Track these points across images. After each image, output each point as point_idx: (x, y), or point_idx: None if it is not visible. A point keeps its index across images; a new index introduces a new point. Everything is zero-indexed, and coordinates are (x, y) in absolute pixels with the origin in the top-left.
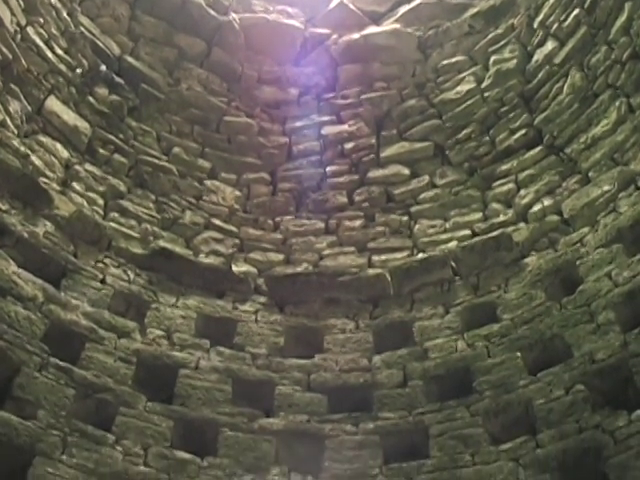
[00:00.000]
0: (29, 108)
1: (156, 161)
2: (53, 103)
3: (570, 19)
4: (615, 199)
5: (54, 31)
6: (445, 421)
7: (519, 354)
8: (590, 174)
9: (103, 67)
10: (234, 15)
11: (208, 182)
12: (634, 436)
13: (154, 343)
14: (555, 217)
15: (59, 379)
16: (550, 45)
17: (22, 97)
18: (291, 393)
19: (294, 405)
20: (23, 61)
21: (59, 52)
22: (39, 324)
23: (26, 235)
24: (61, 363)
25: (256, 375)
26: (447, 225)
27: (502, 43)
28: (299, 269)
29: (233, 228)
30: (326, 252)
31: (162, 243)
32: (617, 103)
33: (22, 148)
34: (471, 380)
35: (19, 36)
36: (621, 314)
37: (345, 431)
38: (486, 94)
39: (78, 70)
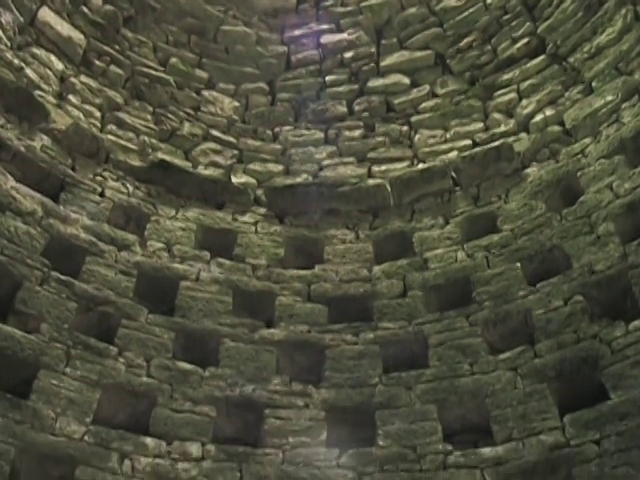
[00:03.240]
0: (21, 19)
1: (153, 72)
2: (46, 14)
3: None
4: (618, 109)
5: None
6: (444, 331)
7: (519, 265)
8: (593, 84)
9: None
10: None
11: (206, 93)
12: (631, 346)
13: (154, 255)
14: (557, 127)
15: (61, 293)
16: None
17: (13, 8)
18: (291, 304)
19: (295, 315)
20: None
21: None
22: (39, 238)
23: (23, 149)
24: (62, 277)
25: (256, 286)
26: (448, 135)
27: None
28: (299, 180)
29: (232, 139)
30: (326, 162)
31: (160, 155)
32: (623, 11)
33: (16, 61)
34: (470, 290)
35: None
36: (621, 225)
37: (345, 341)
38: (488, 1)
39: None
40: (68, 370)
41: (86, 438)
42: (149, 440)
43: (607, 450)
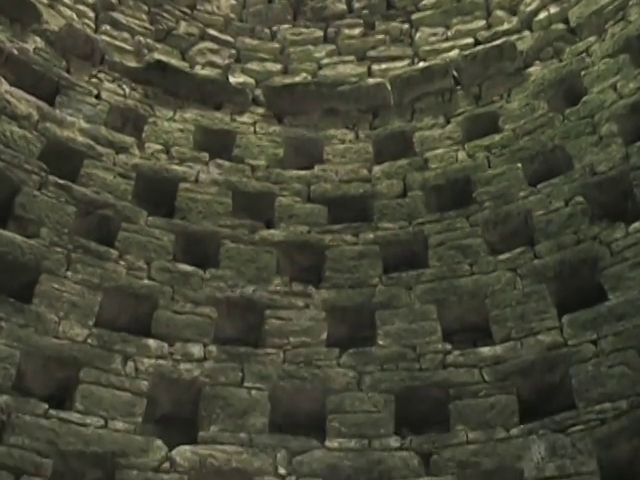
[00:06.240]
0: None
1: None
2: None
3: None
4: (625, 7)
5: None
6: (444, 231)
7: (520, 165)
8: None
9: None
10: None
11: None
12: (630, 248)
13: (153, 157)
14: (561, 25)
15: (59, 197)
16: None
17: None
18: (291, 204)
19: (294, 216)
20: None
21: None
22: (36, 142)
23: (16, 52)
24: (60, 181)
25: (256, 187)
26: (449, 33)
27: None
28: (297, 79)
29: (229, 38)
30: (325, 61)
31: (157, 56)
32: None
33: None
34: (471, 191)
35: None
36: (624, 126)
37: (345, 241)
38: None
39: None
40: (69, 274)
41: (89, 341)
42: (151, 342)
43: (604, 350)
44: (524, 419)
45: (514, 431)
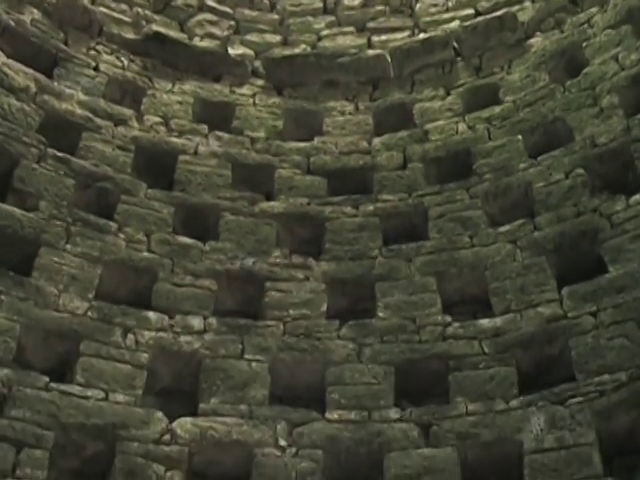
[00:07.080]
0: None
1: None
2: None
3: None
4: None
5: None
6: (444, 203)
7: (520, 137)
8: None
9: None
10: None
11: None
12: (630, 220)
13: (152, 130)
14: None
15: (58, 170)
16: None
17: None
18: (291, 176)
19: (294, 188)
20: None
21: None
22: (34, 115)
23: (13, 23)
24: (59, 154)
25: (255, 159)
26: (449, 4)
27: None
28: (297, 50)
29: (228, 9)
30: (324, 32)
31: (155, 27)
32: None
33: None
34: (471, 162)
35: None
36: (625, 98)
37: (345, 213)
38: None
39: None
40: (69, 247)
41: (89, 314)
42: (151, 314)
43: (603, 322)
44: (523, 391)
45: (513, 403)
